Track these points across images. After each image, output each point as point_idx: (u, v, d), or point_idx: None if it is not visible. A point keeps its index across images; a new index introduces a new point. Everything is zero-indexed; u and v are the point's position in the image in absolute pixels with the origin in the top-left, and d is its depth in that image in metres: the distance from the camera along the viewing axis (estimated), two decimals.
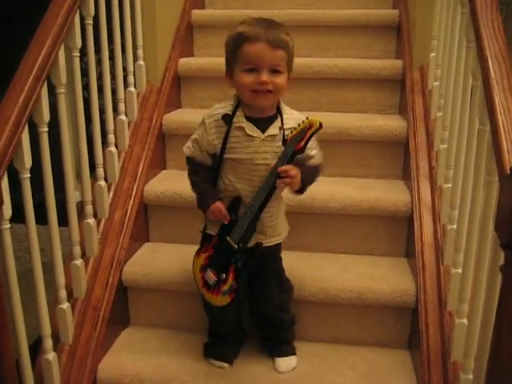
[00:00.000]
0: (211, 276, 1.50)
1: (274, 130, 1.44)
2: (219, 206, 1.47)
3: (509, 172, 1.03)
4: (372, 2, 2.61)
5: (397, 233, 1.88)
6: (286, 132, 1.43)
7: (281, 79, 1.39)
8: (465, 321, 1.41)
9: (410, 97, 2.06)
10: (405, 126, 2.01)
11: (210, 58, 2.36)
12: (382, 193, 1.88)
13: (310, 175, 1.48)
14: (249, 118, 1.45)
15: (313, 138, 1.44)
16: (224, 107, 1.48)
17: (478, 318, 1.30)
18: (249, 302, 1.66)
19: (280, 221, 1.56)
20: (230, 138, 1.46)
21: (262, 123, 1.45)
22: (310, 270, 1.76)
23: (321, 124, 1.38)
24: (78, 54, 1.60)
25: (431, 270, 1.65)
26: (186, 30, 2.45)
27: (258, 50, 1.36)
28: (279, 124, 1.44)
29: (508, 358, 1.06)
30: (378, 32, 2.42)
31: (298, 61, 2.20)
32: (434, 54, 1.96)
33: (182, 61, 2.33)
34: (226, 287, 1.49)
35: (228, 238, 1.48)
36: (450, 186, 1.62)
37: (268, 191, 1.43)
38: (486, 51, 1.26)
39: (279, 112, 1.46)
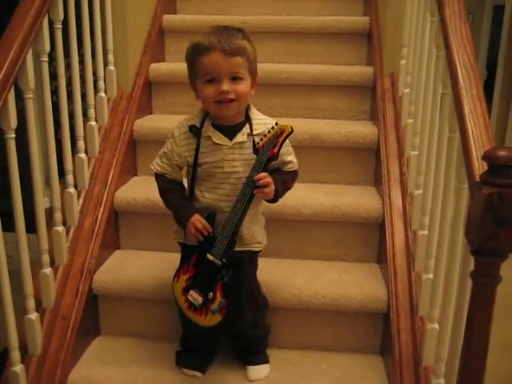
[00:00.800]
0: (196, 297, 1.44)
1: (242, 136, 1.42)
2: (199, 218, 1.44)
3: (478, 179, 1.04)
4: (344, 9, 2.64)
5: (369, 239, 1.89)
6: (256, 139, 1.41)
7: (242, 86, 1.37)
8: (436, 326, 1.42)
9: (380, 103, 2.08)
10: (376, 133, 2.03)
11: (181, 64, 2.29)
12: (353, 199, 1.89)
13: (284, 183, 1.46)
14: (217, 127, 1.43)
15: (288, 144, 1.45)
16: (192, 119, 1.46)
17: (448, 323, 1.31)
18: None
19: (257, 229, 1.54)
20: (200, 149, 1.44)
21: (230, 131, 1.43)
22: (282, 276, 1.75)
23: (292, 128, 1.38)
24: (47, 59, 1.57)
25: (403, 275, 1.66)
26: (157, 34, 2.43)
27: (214, 60, 1.34)
28: (247, 131, 1.43)
29: (477, 361, 1.08)
30: (349, 39, 2.44)
31: (269, 67, 2.25)
32: (404, 62, 1.98)
33: (153, 66, 2.31)
34: (215, 305, 1.43)
35: (209, 256, 1.42)
36: (420, 192, 1.63)
37: (246, 202, 1.40)
38: (455, 59, 1.28)
39: (248, 118, 1.45)
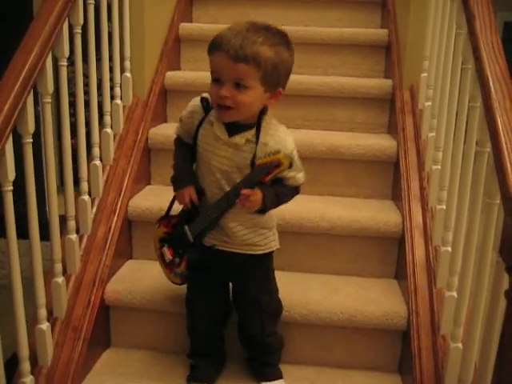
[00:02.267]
0: (167, 253, 1.52)
1: (240, 139, 1.35)
2: (191, 190, 1.43)
3: None
4: (360, 21, 2.62)
5: (387, 254, 1.85)
6: (258, 147, 1.35)
7: (244, 96, 1.27)
8: (460, 345, 1.38)
9: (400, 117, 2.05)
10: (395, 146, 2.00)
11: (196, 73, 2.32)
12: (372, 213, 1.85)
13: (278, 196, 1.42)
14: None
15: (296, 160, 1.40)
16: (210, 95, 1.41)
17: (474, 343, 1.27)
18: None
19: (257, 232, 1.48)
20: (201, 126, 1.40)
21: (234, 128, 1.35)
22: (299, 291, 1.71)
23: (291, 165, 1.33)
24: (66, 64, 1.54)
25: (423, 292, 1.62)
26: (173, 42, 2.41)
27: (218, 61, 1.27)
28: (250, 136, 1.35)
29: None
30: (367, 51, 2.42)
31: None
32: (425, 75, 1.95)
33: (169, 74, 2.29)
34: (178, 270, 1.50)
35: (186, 229, 1.46)
36: (443, 207, 1.60)
37: (228, 205, 1.39)
38: (486, 71, 1.24)
39: (259, 124, 1.36)
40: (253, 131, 1.36)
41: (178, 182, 1.47)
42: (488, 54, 1.27)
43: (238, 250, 1.48)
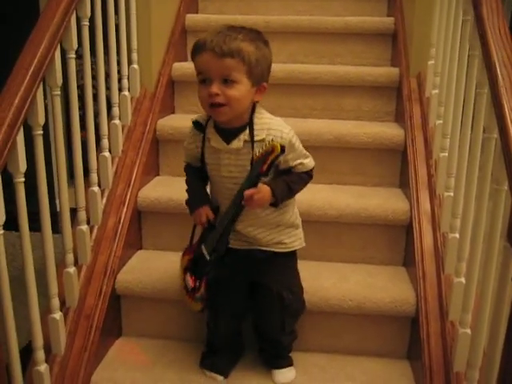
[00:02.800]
0: (190, 282, 1.49)
1: (238, 143, 1.38)
2: (206, 209, 1.45)
3: None
4: (366, 9, 2.61)
5: (395, 241, 1.86)
6: (256, 145, 1.36)
7: (234, 91, 1.30)
8: (468, 331, 1.39)
9: (407, 105, 2.05)
10: (402, 134, 2.00)
11: None
12: (380, 201, 1.86)
13: (289, 186, 1.43)
14: (218, 129, 1.41)
15: (299, 146, 1.42)
16: (201, 116, 1.46)
17: (483, 329, 1.28)
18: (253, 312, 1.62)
19: (278, 230, 1.50)
20: (205, 147, 1.44)
21: (230, 134, 1.39)
22: (308, 278, 1.71)
23: (283, 149, 1.33)
24: (74, 56, 1.55)
25: (431, 278, 1.63)
26: (180, 34, 2.42)
27: (204, 60, 1.30)
28: (245, 137, 1.38)
29: None
30: (373, 39, 2.41)
31: (293, 67, 2.23)
32: (432, 62, 1.94)
33: (177, 65, 2.30)
34: (198, 294, 1.48)
35: (203, 248, 1.46)
36: (451, 194, 1.60)
37: (235, 211, 1.40)
38: (493, 57, 1.24)
39: (251, 123, 1.39)
40: (246, 131, 1.38)
41: (192, 204, 1.51)
42: (495, 40, 1.27)
43: (260, 248, 1.50)
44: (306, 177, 1.48)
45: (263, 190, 1.37)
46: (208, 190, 1.54)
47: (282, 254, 1.52)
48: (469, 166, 1.43)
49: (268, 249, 1.50)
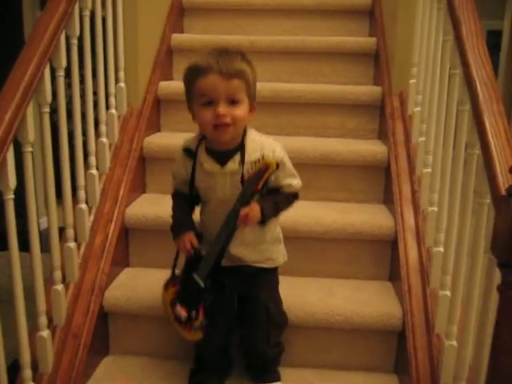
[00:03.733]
0: (181, 312, 1.46)
1: (233, 164, 1.40)
2: (190, 236, 1.45)
3: (504, 193, 1.05)
4: (349, 30, 2.67)
5: (380, 256, 1.88)
6: (246, 167, 1.38)
7: (239, 110, 1.34)
8: (454, 343, 1.41)
9: (390, 122, 2.09)
10: (385, 151, 2.04)
11: None
12: (365, 216, 1.89)
13: (276, 205, 1.45)
14: (210, 152, 1.42)
15: (289, 166, 1.45)
16: (190, 140, 1.47)
17: (469, 340, 1.30)
18: (240, 326, 1.63)
19: (267, 247, 1.52)
20: (195, 172, 1.44)
21: (224, 156, 1.41)
22: (295, 294, 1.74)
23: (277, 165, 1.35)
24: (63, 74, 1.57)
25: (417, 292, 1.65)
26: (165, 53, 2.45)
27: (211, 82, 1.31)
28: (239, 158, 1.40)
29: (506, 379, 1.06)
30: (356, 59, 2.47)
31: (278, 86, 2.27)
32: (413, 81, 2.00)
33: (163, 84, 2.32)
34: (197, 324, 1.45)
35: (195, 276, 1.44)
36: (435, 209, 1.64)
37: (229, 231, 1.40)
38: (474, 76, 1.29)
39: (243, 144, 1.41)
40: (239, 153, 1.40)
41: (176, 230, 1.51)
42: (475, 59, 1.32)
43: (252, 265, 1.51)
44: (293, 198, 1.50)
45: (255, 208, 1.38)
46: (194, 216, 1.54)
47: (268, 268, 1.54)
48: (451, 180, 1.46)
49: (257, 265, 1.52)
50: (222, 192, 1.42)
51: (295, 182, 1.48)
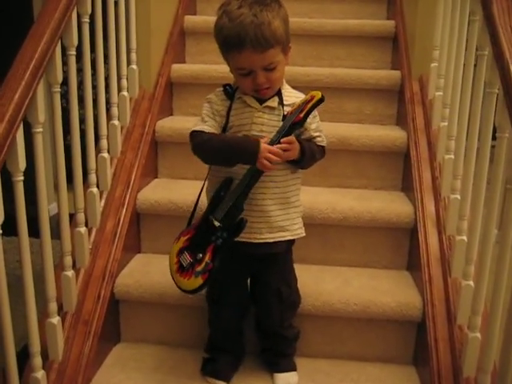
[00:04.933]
0: (187, 258, 1.42)
1: (272, 102, 1.40)
2: (265, 145, 1.33)
3: None
4: (365, 13, 2.59)
5: (398, 245, 1.83)
6: (286, 108, 1.39)
7: (276, 73, 1.35)
8: (478, 335, 1.36)
9: (409, 107, 2.03)
10: (405, 137, 1.98)
11: (203, 65, 2.29)
12: (383, 204, 1.83)
13: (312, 151, 1.43)
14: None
15: (318, 121, 1.45)
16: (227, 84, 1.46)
17: (495, 332, 1.26)
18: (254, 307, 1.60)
19: (285, 216, 1.45)
20: (231, 111, 1.42)
21: (262, 100, 1.41)
22: (311, 282, 1.69)
23: (323, 96, 1.32)
24: (74, 53, 1.51)
25: (438, 282, 1.60)
26: (178, 35, 2.39)
27: (246, 57, 1.31)
28: (278, 100, 1.41)
29: None
30: (373, 43, 2.40)
31: (294, 69, 2.20)
32: (435, 64, 1.93)
33: (176, 67, 2.27)
34: (200, 267, 1.39)
35: (211, 217, 1.40)
36: (457, 196, 1.58)
37: (252, 175, 1.35)
38: (505, 55, 1.22)
39: (279, 92, 1.42)
40: (276, 97, 1.41)
41: (245, 151, 1.35)
42: (507, 38, 1.25)
43: (265, 240, 1.44)
44: (322, 152, 1.50)
45: (295, 141, 1.37)
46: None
47: (282, 245, 1.48)
48: (477, 166, 1.40)
49: (272, 239, 1.44)
50: (259, 129, 1.39)
51: (323, 137, 1.49)
